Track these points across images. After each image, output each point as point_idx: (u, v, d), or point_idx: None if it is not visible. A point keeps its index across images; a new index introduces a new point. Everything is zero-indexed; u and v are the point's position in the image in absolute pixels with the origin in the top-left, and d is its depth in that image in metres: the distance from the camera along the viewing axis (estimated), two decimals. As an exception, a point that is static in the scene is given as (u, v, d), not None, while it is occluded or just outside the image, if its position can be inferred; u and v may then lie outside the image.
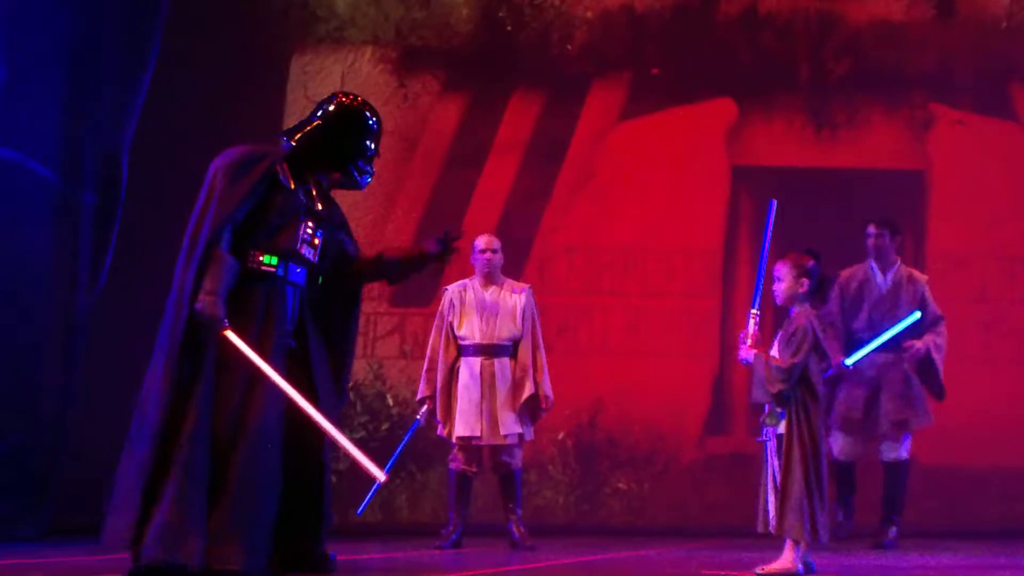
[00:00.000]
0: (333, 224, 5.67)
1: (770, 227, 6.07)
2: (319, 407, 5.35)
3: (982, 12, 10.49)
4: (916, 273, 8.66)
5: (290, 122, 10.01)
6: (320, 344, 5.62)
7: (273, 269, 5.38)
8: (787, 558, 5.76)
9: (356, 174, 5.66)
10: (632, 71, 10.54)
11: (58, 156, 8.65)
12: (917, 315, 8.30)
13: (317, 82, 10.27)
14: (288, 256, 5.42)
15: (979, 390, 9.95)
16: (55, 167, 8.64)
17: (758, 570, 5.79)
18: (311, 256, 5.52)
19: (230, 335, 5.17)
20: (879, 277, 8.44)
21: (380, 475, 5.20)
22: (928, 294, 8.45)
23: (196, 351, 5.21)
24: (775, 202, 6.10)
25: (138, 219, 9.38)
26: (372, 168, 5.71)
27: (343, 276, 5.78)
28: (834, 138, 10.41)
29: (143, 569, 5.08)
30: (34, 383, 8.47)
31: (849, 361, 8.21)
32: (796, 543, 5.73)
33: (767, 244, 6.05)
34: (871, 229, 8.50)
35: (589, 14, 10.57)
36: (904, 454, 8.26)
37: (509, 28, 10.55)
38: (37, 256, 8.53)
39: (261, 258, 5.37)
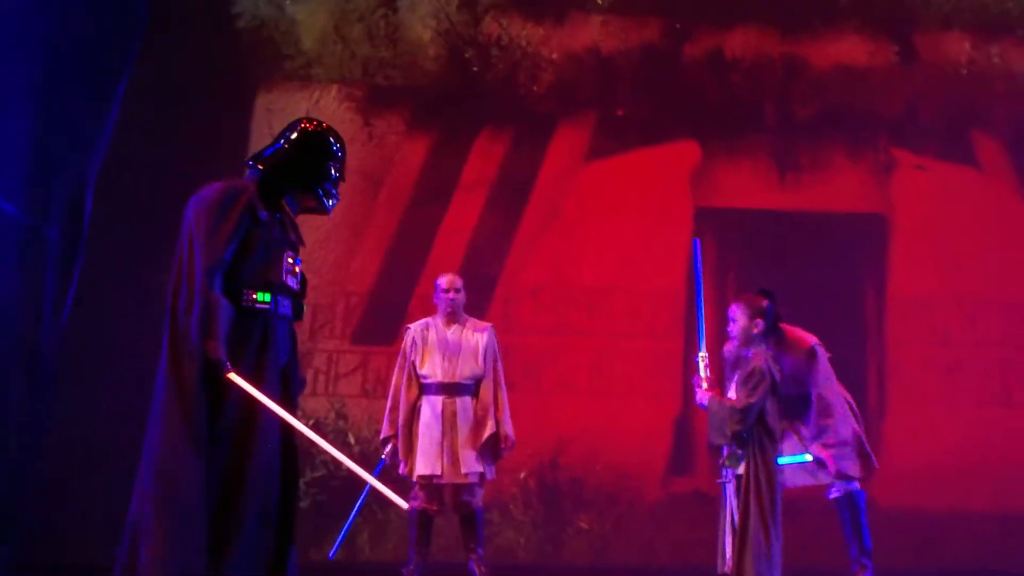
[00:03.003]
0: (299, 251, 5.73)
1: (699, 266, 6.14)
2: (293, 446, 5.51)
3: (944, 59, 10.61)
4: (797, 338, 7.45)
5: (255, 158, 10.08)
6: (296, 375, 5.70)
7: (268, 306, 5.43)
8: (747, 599, 5.77)
9: (323, 198, 5.72)
10: (598, 112, 10.59)
11: (23, 191, 8.62)
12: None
13: (282, 119, 10.19)
14: (277, 290, 5.47)
15: (940, 432, 10.00)
16: (19, 202, 8.61)
17: (721, 611, 5.80)
18: (295, 285, 5.59)
19: (234, 377, 5.23)
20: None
21: (403, 504, 5.42)
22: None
23: (210, 398, 5.27)
24: (699, 241, 6.17)
25: (102, 254, 9.35)
26: (337, 193, 5.76)
27: None
28: (798, 181, 10.48)
29: None
30: (-2, 418, 8.42)
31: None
32: (756, 584, 5.74)
33: (700, 285, 6.10)
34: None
35: (555, 55, 10.62)
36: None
37: (476, 68, 10.59)
38: (1, 291, 8.49)
39: (255, 296, 5.42)
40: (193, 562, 5.15)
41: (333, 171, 5.71)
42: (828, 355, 7.52)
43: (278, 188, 5.63)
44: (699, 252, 6.15)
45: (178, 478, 5.22)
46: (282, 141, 5.73)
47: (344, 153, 5.78)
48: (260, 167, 5.65)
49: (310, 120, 5.85)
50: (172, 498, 5.23)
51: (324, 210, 5.79)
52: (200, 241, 5.35)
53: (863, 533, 7.52)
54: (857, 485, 7.52)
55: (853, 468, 7.53)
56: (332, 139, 5.74)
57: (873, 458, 7.66)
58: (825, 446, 7.39)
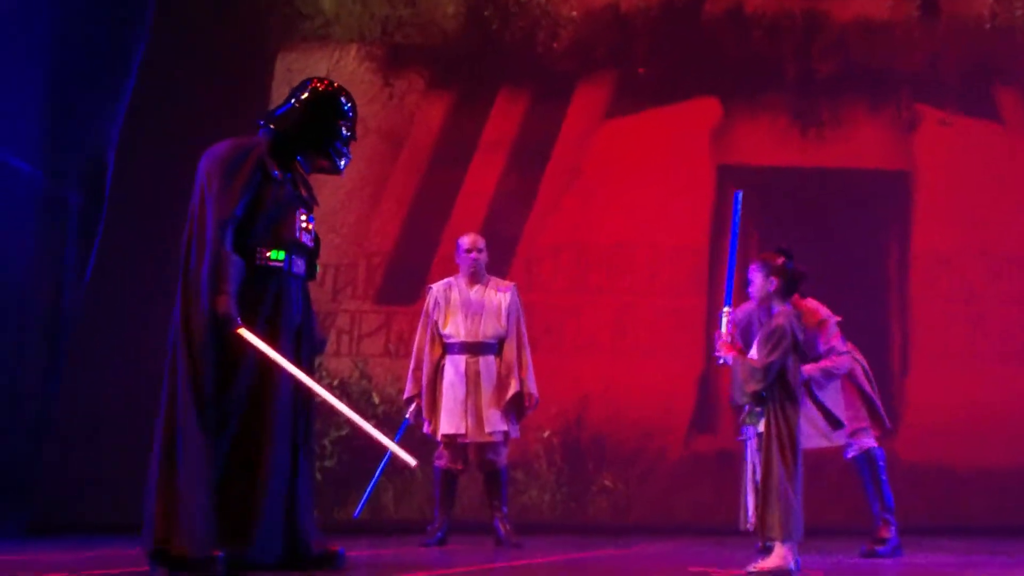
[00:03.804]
0: (312, 209, 5.72)
1: (737, 219, 6.09)
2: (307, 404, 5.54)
3: (966, 13, 10.52)
4: (810, 309, 7.38)
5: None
6: (310, 334, 5.69)
7: (281, 264, 5.44)
8: (779, 556, 5.75)
9: (335, 157, 5.70)
10: (618, 70, 10.55)
11: (44, 155, 8.64)
12: None
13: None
14: (291, 248, 5.47)
15: (964, 388, 9.99)
16: (41, 166, 8.63)
17: (750, 568, 5.78)
18: (309, 243, 5.59)
19: (244, 332, 5.24)
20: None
21: (411, 461, 5.41)
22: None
23: (223, 359, 5.27)
24: (740, 193, 6.12)
25: (123, 218, 9.37)
26: (349, 151, 5.74)
27: None
28: (819, 137, 10.43)
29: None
30: (18, 381, 8.46)
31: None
32: (784, 541, 5.72)
33: (735, 237, 6.07)
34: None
35: (575, 13, 10.57)
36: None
37: (495, 27, 10.55)
38: (22, 255, 8.52)
39: (268, 254, 5.43)
40: (198, 528, 5.14)
41: (344, 130, 5.69)
42: (839, 318, 7.45)
43: (290, 147, 5.61)
44: (739, 205, 6.10)
45: (183, 441, 5.22)
46: (293, 100, 5.71)
47: (355, 112, 5.76)
48: (272, 126, 5.63)
49: (321, 79, 5.84)
50: (177, 463, 5.23)
51: (336, 170, 5.78)
52: (211, 197, 5.34)
53: (884, 490, 7.51)
54: (874, 443, 7.49)
55: (866, 430, 7.50)
56: (343, 98, 5.72)
57: (887, 420, 7.61)
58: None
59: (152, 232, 9.76)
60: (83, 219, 9.05)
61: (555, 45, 10.56)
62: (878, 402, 7.60)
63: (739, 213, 6.11)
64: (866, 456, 7.49)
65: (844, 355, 7.39)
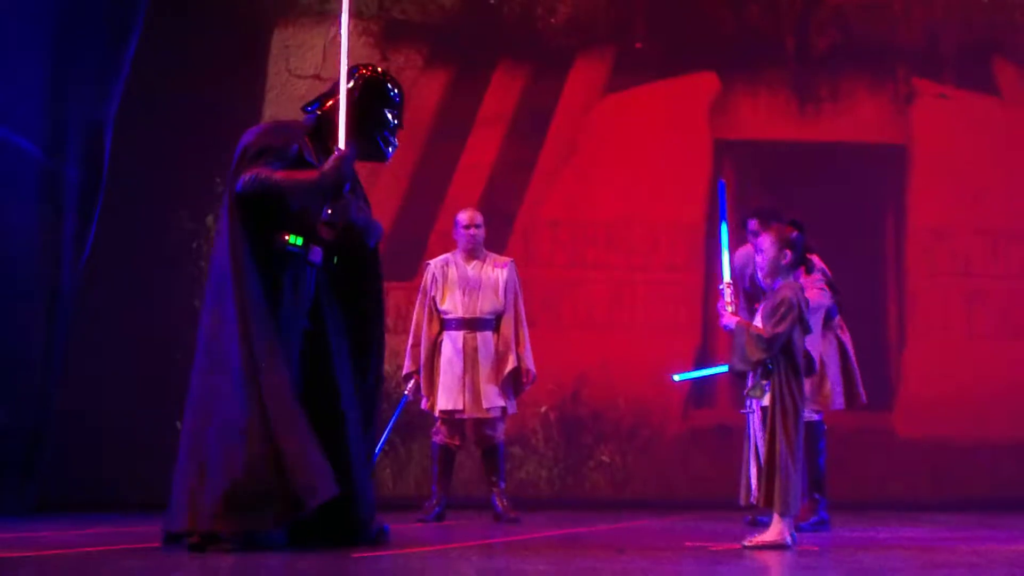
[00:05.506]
0: (356, 199, 5.69)
1: (724, 208, 6.13)
2: (340, 387, 5.56)
3: (966, -14, 10.51)
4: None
5: (272, 96, 10.05)
6: (338, 325, 5.68)
7: (299, 249, 5.45)
8: (775, 530, 5.77)
9: (382, 145, 5.68)
10: (616, 45, 10.52)
11: (42, 131, 8.62)
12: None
13: (299, 55, 10.23)
14: (310, 236, 5.47)
15: (960, 362, 10.01)
16: (39, 142, 8.62)
17: (746, 542, 5.80)
18: (328, 236, 5.57)
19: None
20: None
21: None
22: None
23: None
24: (724, 183, 6.18)
25: (121, 193, 9.36)
26: (395, 139, 5.72)
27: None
28: (817, 112, 10.42)
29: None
30: (19, 358, 8.46)
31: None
32: (783, 515, 5.74)
33: (724, 226, 6.10)
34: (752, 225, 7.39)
35: (573, -12, 10.55)
36: None
37: (492, 1, 10.52)
38: (21, 231, 8.51)
39: (287, 238, 5.45)
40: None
41: (390, 117, 5.66)
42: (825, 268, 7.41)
43: (334, 135, 5.57)
44: (724, 194, 6.14)
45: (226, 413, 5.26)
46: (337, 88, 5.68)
47: (402, 98, 5.73)
48: (318, 112, 5.62)
49: (366, 66, 5.80)
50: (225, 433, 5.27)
51: (382, 157, 5.76)
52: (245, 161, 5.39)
53: (819, 466, 7.38)
54: (816, 416, 7.36)
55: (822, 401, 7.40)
56: (389, 84, 5.70)
57: (863, 395, 7.50)
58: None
59: (150, 207, 9.76)
60: (81, 195, 9.03)
61: (553, 20, 10.53)
62: (856, 378, 7.49)
63: (724, 202, 6.14)
64: (806, 428, 7.38)
65: (825, 291, 7.30)
